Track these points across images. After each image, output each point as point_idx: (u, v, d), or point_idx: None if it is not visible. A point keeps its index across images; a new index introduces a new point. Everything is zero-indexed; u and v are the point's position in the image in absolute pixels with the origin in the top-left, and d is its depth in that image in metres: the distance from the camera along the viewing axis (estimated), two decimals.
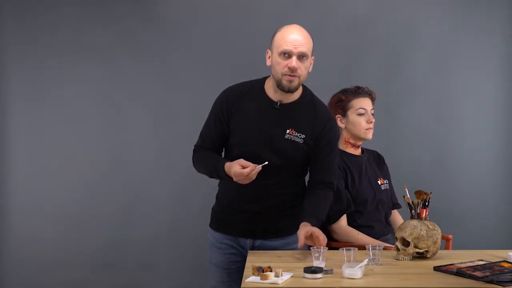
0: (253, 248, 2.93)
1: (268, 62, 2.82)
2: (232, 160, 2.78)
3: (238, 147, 2.87)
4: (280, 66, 2.74)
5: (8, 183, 4.09)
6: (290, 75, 2.73)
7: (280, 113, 2.83)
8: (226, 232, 2.96)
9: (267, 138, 2.82)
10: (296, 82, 2.76)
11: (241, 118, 2.85)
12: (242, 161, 2.71)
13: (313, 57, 2.84)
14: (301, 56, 2.75)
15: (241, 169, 2.68)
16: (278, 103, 2.82)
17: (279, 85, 2.77)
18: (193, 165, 3.00)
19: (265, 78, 2.91)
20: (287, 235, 2.94)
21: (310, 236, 2.66)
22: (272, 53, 2.79)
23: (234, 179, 2.72)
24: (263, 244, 2.94)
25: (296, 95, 2.86)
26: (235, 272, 2.93)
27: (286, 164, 2.85)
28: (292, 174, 2.91)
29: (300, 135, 2.84)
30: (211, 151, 2.92)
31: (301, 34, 2.77)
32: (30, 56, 4.08)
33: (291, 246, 2.92)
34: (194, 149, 2.99)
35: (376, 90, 3.44)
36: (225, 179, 2.81)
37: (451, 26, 4.14)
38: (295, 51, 2.73)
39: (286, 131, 2.82)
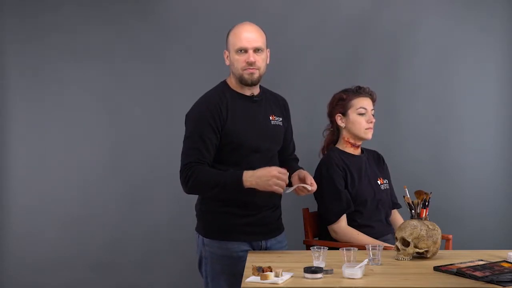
0: (266, 249, 2.97)
1: (227, 62, 2.96)
2: (227, 166, 2.83)
3: (235, 146, 2.87)
4: (239, 62, 2.88)
5: (8, 183, 4.09)
6: (249, 69, 2.87)
7: (258, 104, 2.97)
8: (240, 239, 2.91)
9: (261, 129, 2.94)
10: (256, 74, 2.90)
11: (234, 118, 2.88)
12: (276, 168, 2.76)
13: (268, 50, 2.97)
14: (257, 50, 2.88)
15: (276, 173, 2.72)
16: (254, 96, 2.95)
17: (242, 80, 2.90)
18: (187, 184, 2.85)
19: (223, 83, 2.99)
20: (280, 232, 3.07)
21: (303, 178, 2.89)
22: (229, 52, 2.93)
23: (264, 184, 2.72)
24: (271, 245, 2.99)
25: (258, 88, 3.00)
26: None
27: (277, 148, 3.05)
28: (277, 157, 3.07)
29: (279, 119, 3.03)
30: (208, 165, 2.84)
31: (253, 30, 2.91)
32: (30, 56, 4.07)
33: (283, 244, 3.06)
34: (186, 167, 2.83)
35: (376, 90, 3.44)
36: (240, 190, 2.77)
37: (452, 25, 4.13)
38: (250, 46, 2.87)
39: (269, 118, 2.98)
